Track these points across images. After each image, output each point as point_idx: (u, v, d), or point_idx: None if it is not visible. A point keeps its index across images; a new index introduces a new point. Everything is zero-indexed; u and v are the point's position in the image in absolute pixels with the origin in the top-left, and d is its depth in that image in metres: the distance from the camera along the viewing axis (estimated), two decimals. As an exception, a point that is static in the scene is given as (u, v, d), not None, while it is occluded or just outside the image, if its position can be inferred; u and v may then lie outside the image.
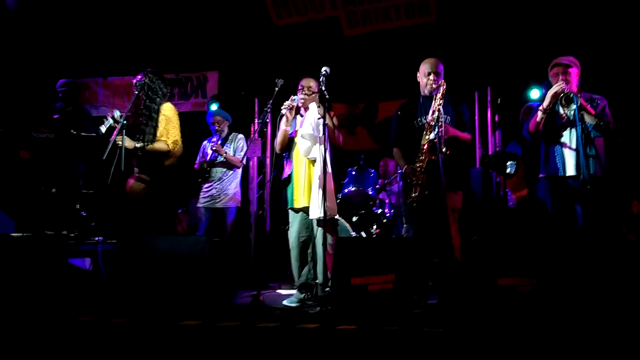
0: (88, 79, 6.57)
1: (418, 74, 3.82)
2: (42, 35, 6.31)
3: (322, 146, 3.59)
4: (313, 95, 3.79)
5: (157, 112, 3.94)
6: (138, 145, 3.84)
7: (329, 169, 3.61)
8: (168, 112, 3.99)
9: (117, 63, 6.48)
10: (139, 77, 3.96)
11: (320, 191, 3.52)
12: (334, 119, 3.83)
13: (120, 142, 3.71)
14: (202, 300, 3.24)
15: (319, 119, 3.62)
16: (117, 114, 3.85)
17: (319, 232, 3.64)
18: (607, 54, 5.02)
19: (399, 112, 3.85)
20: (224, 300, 3.50)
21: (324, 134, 3.54)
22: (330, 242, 3.57)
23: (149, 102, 3.92)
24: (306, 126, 3.72)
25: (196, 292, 3.26)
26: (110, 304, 3.40)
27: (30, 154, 4.82)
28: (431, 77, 3.68)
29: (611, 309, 2.82)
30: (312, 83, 3.82)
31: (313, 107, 3.74)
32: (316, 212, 3.58)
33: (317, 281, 3.69)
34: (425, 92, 3.74)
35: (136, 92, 3.91)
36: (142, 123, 3.88)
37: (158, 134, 3.91)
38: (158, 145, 3.91)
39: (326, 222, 3.50)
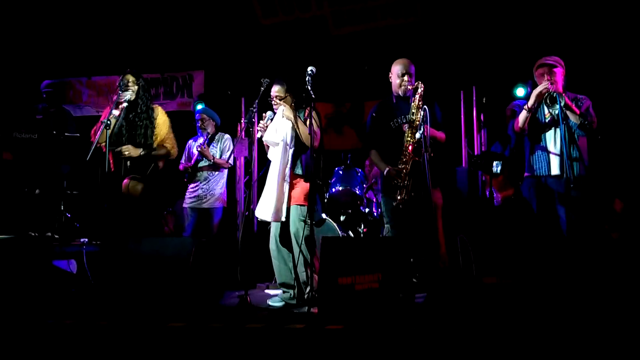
0: (72, 79, 6.49)
1: (390, 75, 3.84)
2: (25, 35, 6.22)
3: (283, 150, 3.67)
4: (284, 100, 3.79)
5: (155, 116, 3.95)
6: (142, 152, 3.85)
7: (287, 172, 3.66)
8: (163, 116, 4.02)
9: (101, 62, 6.42)
10: (128, 77, 3.89)
11: (273, 194, 3.62)
12: (311, 116, 3.71)
13: (127, 152, 3.75)
14: (188, 301, 3.23)
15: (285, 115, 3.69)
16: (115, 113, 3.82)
17: (298, 231, 3.67)
18: (591, 54, 5.08)
19: (374, 114, 3.87)
20: (211, 301, 3.49)
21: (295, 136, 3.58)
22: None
23: (144, 105, 3.92)
24: (269, 132, 3.77)
25: (183, 294, 3.25)
26: (96, 306, 3.37)
27: (13, 155, 4.76)
28: (405, 78, 3.71)
29: (596, 306, 2.87)
30: (280, 88, 3.81)
31: (279, 112, 3.77)
32: (259, 212, 3.69)
33: (300, 281, 3.71)
34: (399, 92, 3.76)
35: (127, 95, 3.84)
36: (142, 127, 3.87)
37: (159, 139, 3.93)
38: (162, 152, 3.98)
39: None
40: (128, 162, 3.81)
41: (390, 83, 3.86)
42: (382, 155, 3.77)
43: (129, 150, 3.79)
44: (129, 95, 3.84)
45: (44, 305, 3.41)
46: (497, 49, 5.49)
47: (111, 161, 3.86)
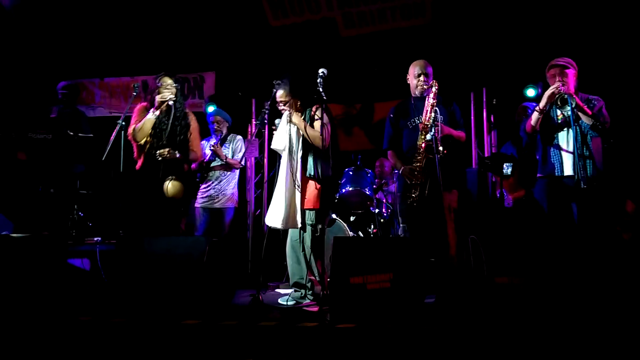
0: (85, 80, 6.55)
1: (408, 76, 3.88)
2: (38, 36, 6.30)
3: (289, 156, 3.71)
4: (289, 103, 3.82)
5: (189, 121, 4.00)
6: (180, 155, 3.89)
7: (298, 177, 3.69)
8: (194, 121, 4.06)
9: (113, 64, 6.48)
10: (166, 79, 3.90)
11: (283, 201, 3.66)
12: (322, 118, 3.68)
13: (167, 154, 3.79)
14: (201, 300, 3.26)
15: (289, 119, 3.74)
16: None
17: (304, 234, 3.74)
18: (603, 54, 5.06)
19: (392, 115, 3.90)
20: (223, 300, 3.52)
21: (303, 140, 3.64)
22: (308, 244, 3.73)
23: (182, 110, 3.95)
24: (274, 139, 3.83)
25: (195, 292, 3.28)
26: (110, 304, 3.42)
27: (28, 155, 4.84)
28: (421, 78, 3.74)
29: (607, 307, 2.87)
30: (283, 92, 3.81)
31: (284, 117, 3.81)
32: (270, 220, 3.72)
33: (309, 279, 3.76)
34: (417, 93, 3.79)
35: (169, 95, 3.86)
36: (182, 132, 3.91)
37: (189, 144, 3.98)
38: (192, 156, 4.04)
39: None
40: (164, 164, 3.83)
41: (409, 84, 3.89)
42: (400, 155, 3.80)
43: (170, 152, 3.82)
44: (171, 95, 3.84)
45: (59, 303, 3.46)
46: (507, 50, 5.48)
47: (139, 161, 3.88)
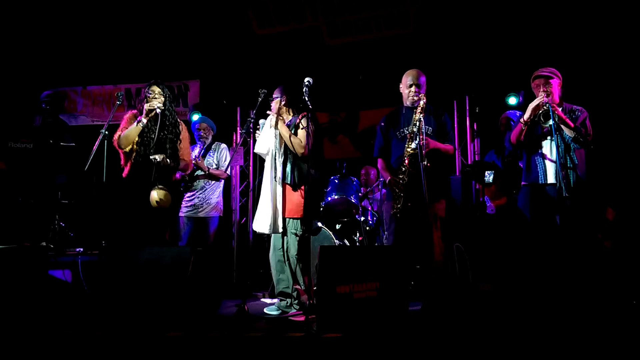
0: (67, 88, 6.47)
1: (400, 85, 3.89)
2: (19, 44, 6.22)
3: (271, 161, 3.75)
4: (280, 107, 3.84)
5: (180, 129, 3.97)
6: (171, 164, 3.86)
7: (279, 183, 3.72)
8: (185, 131, 4.04)
9: (96, 72, 6.42)
10: (154, 88, 3.86)
11: (269, 206, 3.67)
12: (303, 124, 3.72)
13: (160, 159, 3.75)
14: (187, 310, 3.22)
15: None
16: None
17: (289, 243, 3.74)
18: (585, 64, 5.16)
19: (383, 124, 3.91)
20: (208, 310, 3.49)
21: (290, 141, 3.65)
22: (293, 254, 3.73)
23: (173, 118, 3.92)
24: (257, 143, 3.86)
25: (181, 303, 3.24)
26: (92, 316, 3.36)
27: (8, 164, 4.76)
28: (412, 89, 3.75)
29: (590, 313, 2.90)
30: (277, 95, 3.86)
31: (267, 121, 3.83)
32: (257, 226, 3.75)
33: (294, 289, 3.74)
34: (407, 103, 3.81)
35: (157, 104, 3.82)
36: (172, 140, 3.88)
37: (179, 153, 3.96)
38: (183, 165, 4.03)
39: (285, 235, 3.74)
40: (154, 172, 3.79)
41: (401, 94, 3.91)
42: (388, 164, 3.82)
43: (162, 159, 3.78)
44: (159, 104, 3.81)
45: (39, 315, 3.39)
46: (490, 58, 5.56)
47: (125, 168, 3.84)
